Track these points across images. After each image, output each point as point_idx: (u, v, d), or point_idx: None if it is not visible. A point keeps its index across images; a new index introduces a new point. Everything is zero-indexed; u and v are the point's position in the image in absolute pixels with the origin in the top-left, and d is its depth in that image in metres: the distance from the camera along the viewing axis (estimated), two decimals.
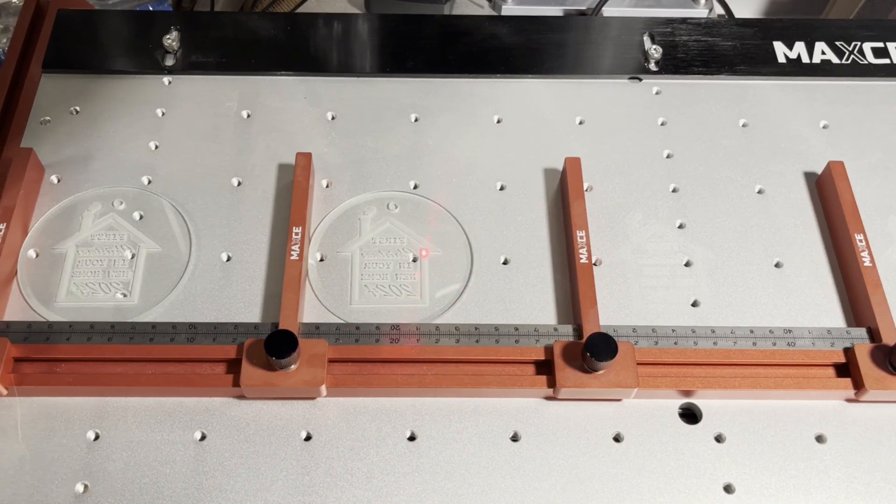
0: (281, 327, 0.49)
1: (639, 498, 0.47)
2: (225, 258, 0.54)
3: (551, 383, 0.49)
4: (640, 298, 0.54)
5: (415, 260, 0.55)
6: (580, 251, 0.53)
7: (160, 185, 0.57)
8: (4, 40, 0.70)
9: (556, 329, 0.51)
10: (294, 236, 0.53)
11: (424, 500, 0.47)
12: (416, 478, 0.47)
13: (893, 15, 0.83)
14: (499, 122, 0.62)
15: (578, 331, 0.51)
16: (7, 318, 0.52)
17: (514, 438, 0.49)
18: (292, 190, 0.55)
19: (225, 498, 0.46)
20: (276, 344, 0.47)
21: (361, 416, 0.49)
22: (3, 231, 0.52)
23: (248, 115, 0.61)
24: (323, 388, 0.48)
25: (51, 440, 0.48)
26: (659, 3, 0.78)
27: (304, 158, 0.56)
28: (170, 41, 0.63)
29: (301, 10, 0.81)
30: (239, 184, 0.58)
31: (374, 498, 0.47)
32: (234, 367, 0.49)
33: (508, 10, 0.78)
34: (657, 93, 0.64)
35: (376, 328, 0.51)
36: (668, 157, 0.61)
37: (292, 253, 0.52)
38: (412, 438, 0.49)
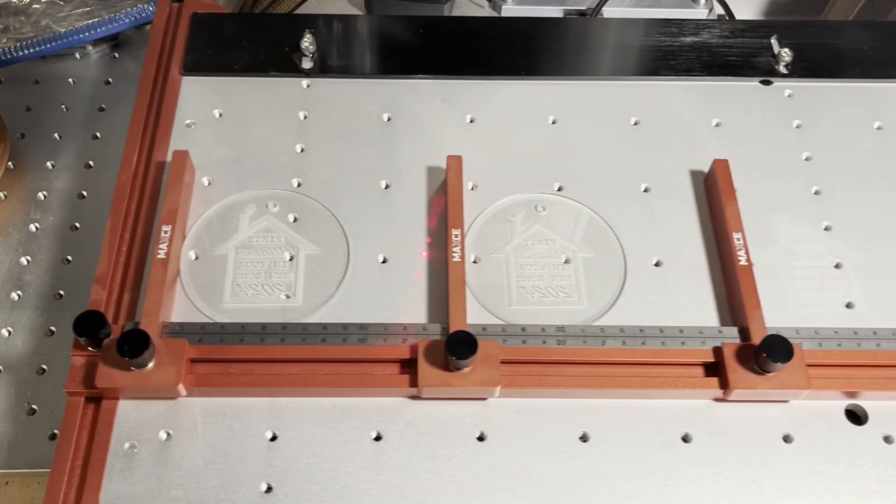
0: (452, 329, 0.50)
1: (815, 498, 0.47)
2: (381, 259, 0.55)
3: (722, 384, 0.49)
4: (793, 300, 0.54)
5: (567, 262, 0.55)
6: (738, 253, 0.53)
7: (310, 187, 0.58)
8: (4, 40, 0.70)
9: (720, 331, 0.51)
10: (454, 238, 0.53)
11: (601, 500, 0.47)
12: (590, 479, 0.48)
13: (893, 15, 0.82)
14: (636, 124, 0.62)
15: (743, 332, 0.51)
16: (174, 319, 0.52)
17: (686, 439, 0.49)
18: (445, 192, 0.56)
19: (407, 497, 0.47)
20: (457, 345, 0.47)
21: (532, 417, 0.50)
22: (168, 233, 0.53)
23: (389, 119, 0.62)
24: (497, 389, 0.49)
25: (231, 440, 0.48)
26: (659, 3, 0.78)
27: (456, 161, 0.57)
28: (306, 44, 0.63)
29: (300, 10, 0.79)
30: (387, 186, 0.58)
31: (551, 498, 0.47)
32: (407, 367, 0.50)
33: (508, 10, 0.77)
34: (789, 95, 0.64)
35: (542, 329, 0.51)
36: (806, 159, 0.61)
37: (454, 255, 0.53)
38: (584, 439, 0.49)
